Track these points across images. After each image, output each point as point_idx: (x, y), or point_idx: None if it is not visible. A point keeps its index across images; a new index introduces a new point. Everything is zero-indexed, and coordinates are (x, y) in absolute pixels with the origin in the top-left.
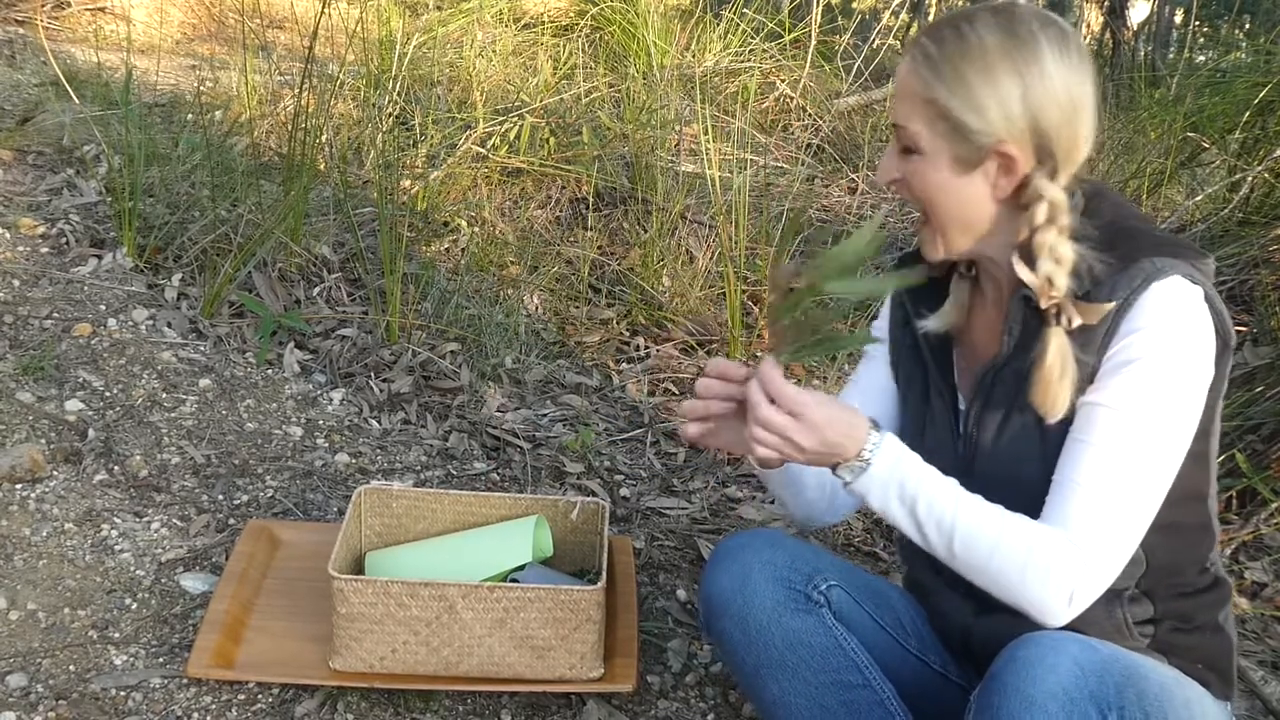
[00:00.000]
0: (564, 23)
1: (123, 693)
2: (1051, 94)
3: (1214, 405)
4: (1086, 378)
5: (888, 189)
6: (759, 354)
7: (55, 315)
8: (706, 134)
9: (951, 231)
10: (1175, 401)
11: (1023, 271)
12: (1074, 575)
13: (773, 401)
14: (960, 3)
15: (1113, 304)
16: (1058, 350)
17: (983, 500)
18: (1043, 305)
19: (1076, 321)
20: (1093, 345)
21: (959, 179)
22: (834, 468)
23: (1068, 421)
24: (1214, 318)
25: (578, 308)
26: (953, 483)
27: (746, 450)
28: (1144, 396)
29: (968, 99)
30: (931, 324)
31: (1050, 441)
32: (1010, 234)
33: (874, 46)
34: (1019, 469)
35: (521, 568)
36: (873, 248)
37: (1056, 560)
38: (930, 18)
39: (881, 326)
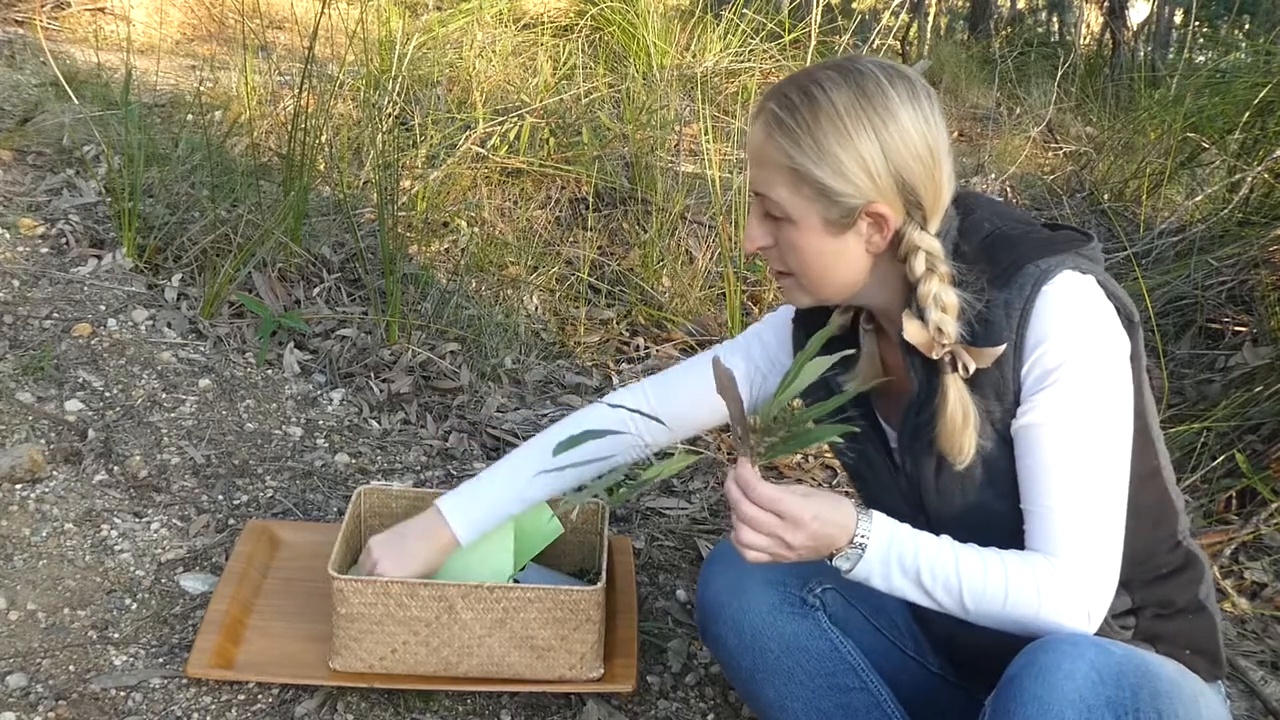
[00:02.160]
0: (564, 23)
1: (123, 693)
2: (911, 147)
3: (1140, 382)
4: (1010, 405)
5: (754, 254)
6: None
7: (55, 315)
8: (706, 134)
9: (821, 288)
10: (1106, 394)
11: (913, 332)
12: (1084, 595)
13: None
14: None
15: (1003, 346)
16: (957, 399)
17: (975, 548)
18: (935, 356)
19: (972, 367)
20: (1005, 369)
21: (832, 241)
22: (829, 558)
23: (1007, 445)
24: (1112, 300)
25: (578, 308)
26: (945, 540)
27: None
28: (1077, 402)
29: (830, 165)
30: (853, 386)
31: (992, 467)
32: (888, 281)
33: (874, 46)
34: (970, 499)
35: (523, 568)
36: (825, 364)
37: (1064, 588)
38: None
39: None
